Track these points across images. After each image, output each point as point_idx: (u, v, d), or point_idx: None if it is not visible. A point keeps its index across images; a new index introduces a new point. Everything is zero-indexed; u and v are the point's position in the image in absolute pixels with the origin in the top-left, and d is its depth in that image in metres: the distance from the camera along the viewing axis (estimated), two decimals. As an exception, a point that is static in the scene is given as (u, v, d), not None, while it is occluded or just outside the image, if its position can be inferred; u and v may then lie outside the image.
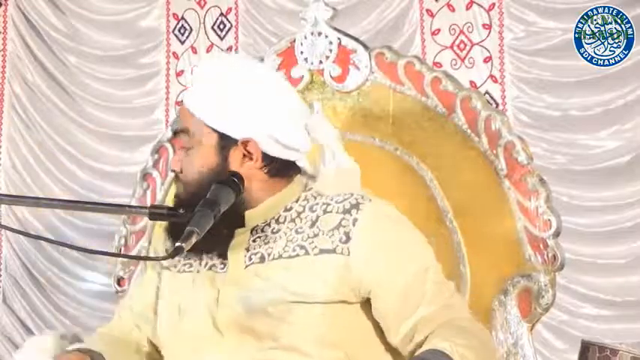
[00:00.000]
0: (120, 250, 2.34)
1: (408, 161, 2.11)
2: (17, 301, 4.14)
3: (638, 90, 3.36)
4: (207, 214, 1.51)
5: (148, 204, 2.31)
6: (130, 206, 1.86)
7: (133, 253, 2.33)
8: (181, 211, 1.59)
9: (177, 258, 1.73)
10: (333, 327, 1.64)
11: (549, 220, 1.97)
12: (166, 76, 4.09)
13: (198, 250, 1.66)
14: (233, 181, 1.62)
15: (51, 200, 1.78)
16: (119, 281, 2.36)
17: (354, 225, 1.66)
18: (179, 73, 4.08)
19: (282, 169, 1.73)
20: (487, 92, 3.52)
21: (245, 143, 1.69)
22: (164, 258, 1.49)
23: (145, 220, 2.32)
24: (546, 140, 3.45)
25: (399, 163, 2.12)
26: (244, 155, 1.69)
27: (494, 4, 3.59)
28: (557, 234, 1.96)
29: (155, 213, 1.47)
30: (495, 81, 3.58)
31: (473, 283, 2.00)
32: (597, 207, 3.40)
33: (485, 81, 3.59)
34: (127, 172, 3.93)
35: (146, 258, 2.36)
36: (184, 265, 1.75)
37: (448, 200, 2.07)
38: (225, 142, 1.69)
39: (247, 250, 1.69)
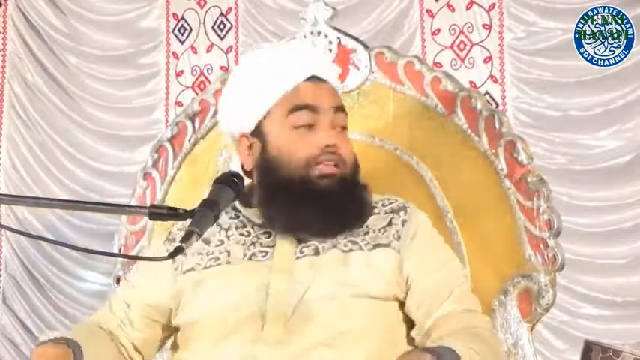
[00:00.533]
0: (120, 250, 2.34)
1: (408, 161, 2.11)
2: (17, 301, 4.14)
3: (638, 90, 3.36)
4: (208, 214, 1.51)
5: (148, 204, 2.31)
6: (129, 206, 1.84)
7: (133, 253, 2.33)
8: (181, 211, 1.58)
9: (199, 257, 1.73)
10: (380, 323, 1.67)
11: (549, 220, 1.97)
12: (166, 76, 4.09)
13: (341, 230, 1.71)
14: (233, 181, 1.61)
15: (51, 200, 1.77)
16: (119, 281, 2.36)
17: (402, 225, 1.75)
18: (179, 73, 4.08)
19: None
20: (487, 92, 3.52)
21: None
22: (164, 258, 1.49)
23: (144, 220, 2.32)
24: (546, 140, 3.45)
25: (399, 163, 2.12)
26: None
27: (494, 5, 3.59)
28: (557, 234, 1.96)
29: (155, 213, 1.46)
30: (495, 81, 3.58)
31: (473, 283, 1.99)
32: (597, 207, 3.40)
33: (486, 81, 3.59)
34: (126, 171, 3.94)
35: (146, 258, 2.35)
36: (210, 259, 1.73)
37: (448, 200, 2.07)
38: None
39: (299, 241, 1.71)
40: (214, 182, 1.61)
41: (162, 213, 1.45)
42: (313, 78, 1.76)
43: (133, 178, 2.44)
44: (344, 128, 1.76)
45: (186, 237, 1.45)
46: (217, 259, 1.73)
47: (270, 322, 1.63)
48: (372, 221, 1.75)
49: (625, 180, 3.38)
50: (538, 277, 1.95)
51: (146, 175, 2.37)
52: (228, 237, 1.76)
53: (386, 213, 1.76)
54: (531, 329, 1.97)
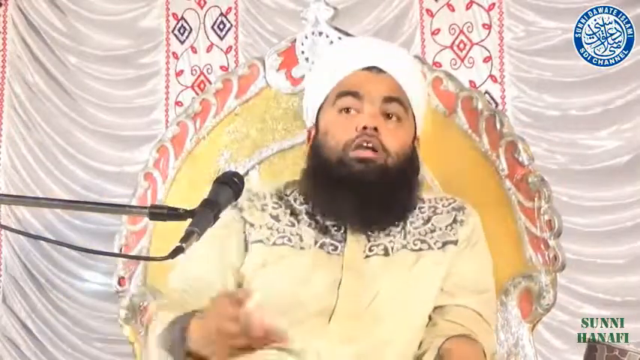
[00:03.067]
0: (120, 250, 2.34)
1: (408, 161, 2.11)
2: (17, 302, 4.13)
3: (638, 90, 3.36)
4: (207, 214, 1.51)
5: (149, 204, 2.31)
6: (130, 206, 1.84)
7: (133, 252, 2.33)
8: (181, 210, 1.58)
9: (268, 232, 1.75)
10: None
11: (550, 220, 1.97)
12: (166, 76, 4.08)
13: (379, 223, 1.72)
14: (233, 181, 1.61)
15: (51, 200, 1.77)
16: (120, 281, 2.36)
17: (461, 225, 1.79)
18: (179, 73, 4.07)
19: None
20: (487, 92, 3.52)
21: (418, 141, 1.84)
22: (164, 258, 1.49)
23: (145, 220, 2.32)
24: (546, 140, 3.44)
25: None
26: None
27: (494, 4, 3.59)
28: (558, 234, 1.96)
29: (155, 213, 1.46)
30: (495, 81, 3.57)
31: (473, 283, 1.99)
32: (597, 207, 3.40)
33: (485, 81, 3.58)
34: (127, 171, 3.93)
35: (146, 258, 2.36)
36: (280, 237, 1.75)
37: (449, 200, 2.06)
38: (415, 133, 1.82)
39: (368, 240, 1.72)
40: (214, 182, 1.60)
41: (162, 213, 1.45)
42: (374, 69, 1.80)
43: (133, 178, 2.44)
44: (398, 119, 1.77)
45: (187, 237, 1.45)
46: (290, 239, 1.74)
47: (337, 321, 1.65)
48: (437, 219, 1.78)
49: (625, 180, 3.37)
50: (539, 278, 1.95)
51: (147, 175, 2.37)
52: (298, 220, 1.77)
53: (448, 212, 1.80)
54: (532, 329, 1.97)
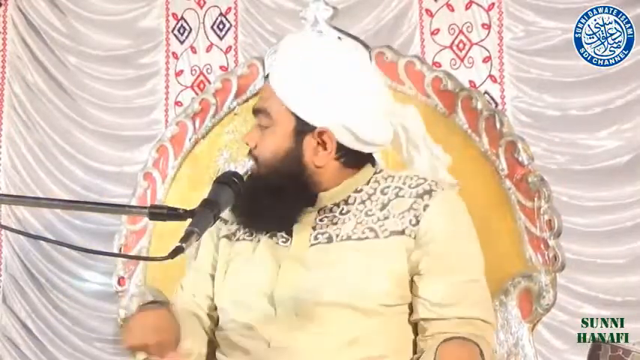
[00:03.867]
0: (120, 250, 2.35)
1: (408, 161, 2.11)
2: (17, 302, 4.13)
3: (638, 90, 3.36)
4: (207, 214, 1.51)
5: (148, 204, 2.31)
6: (129, 206, 1.85)
7: (133, 252, 2.33)
8: (181, 210, 1.58)
9: (235, 226, 1.80)
10: (386, 328, 1.69)
11: (550, 220, 1.97)
12: (166, 76, 4.08)
13: (262, 229, 1.74)
14: (233, 181, 1.62)
15: (51, 200, 1.77)
16: (119, 280, 2.36)
17: (424, 210, 1.70)
18: (178, 73, 4.07)
19: (356, 160, 1.76)
20: (486, 92, 3.51)
21: (320, 133, 1.71)
22: (164, 258, 1.49)
23: (145, 220, 2.33)
24: (546, 140, 3.44)
25: (400, 163, 2.11)
26: (318, 144, 1.71)
27: (493, 4, 3.59)
28: (558, 234, 1.96)
29: (155, 213, 1.46)
30: (495, 81, 3.57)
31: (473, 283, 1.99)
32: (597, 207, 3.40)
33: (485, 81, 3.58)
34: (127, 171, 3.93)
35: (146, 258, 2.37)
36: (244, 233, 1.79)
37: (448, 200, 2.06)
38: (302, 128, 1.71)
39: (314, 229, 1.73)
40: (214, 182, 1.61)
41: (162, 213, 1.46)
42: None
43: (133, 178, 2.44)
44: (267, 127, 1.74)
45: (186, 237, 1.45)
46: (251, 234, 1.78)
47: (280, 308, 1.67)
48: (395, 204, 1.72)
49: (625, 180, 3.37)
50: (539, 278, 1.96)
51: (146, 175, 2.37)
52: None
53: (410, 196, 1.72)
54: (532, 329, 1.97)
